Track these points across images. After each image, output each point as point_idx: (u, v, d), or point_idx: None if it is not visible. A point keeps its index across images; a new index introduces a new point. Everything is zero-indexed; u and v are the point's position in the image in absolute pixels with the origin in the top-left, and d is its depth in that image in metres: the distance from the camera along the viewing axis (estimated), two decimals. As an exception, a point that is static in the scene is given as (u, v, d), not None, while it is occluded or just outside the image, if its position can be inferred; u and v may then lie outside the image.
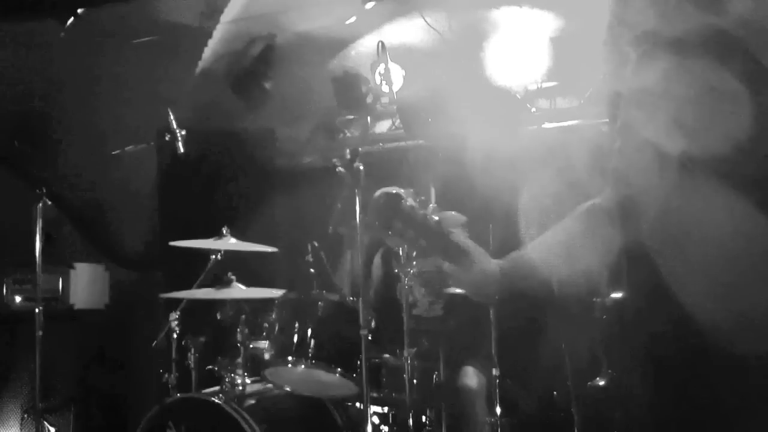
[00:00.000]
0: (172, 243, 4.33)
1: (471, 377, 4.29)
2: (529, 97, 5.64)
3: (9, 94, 5.71)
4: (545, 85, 5.59)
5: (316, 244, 4.40)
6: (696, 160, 1.79)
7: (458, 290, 4.22)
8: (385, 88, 5.15)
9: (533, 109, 5.64)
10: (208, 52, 5.41)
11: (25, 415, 4.74)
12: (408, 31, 5.44)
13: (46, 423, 4.30)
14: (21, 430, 4.77)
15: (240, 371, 4.07)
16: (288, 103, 5.99)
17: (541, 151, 5.18)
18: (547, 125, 5.54)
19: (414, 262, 4.15)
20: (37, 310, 3.86)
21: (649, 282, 1.86)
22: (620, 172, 1.98)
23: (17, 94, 5.72)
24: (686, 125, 1.80)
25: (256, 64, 5.51)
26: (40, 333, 3.92)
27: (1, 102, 5.82)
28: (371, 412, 3.73)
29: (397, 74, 5.43)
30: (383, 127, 6.21)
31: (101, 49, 5.14)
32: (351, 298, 4.02)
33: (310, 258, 4.37)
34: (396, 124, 6.05)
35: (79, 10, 4.67)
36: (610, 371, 4.32)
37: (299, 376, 3.95)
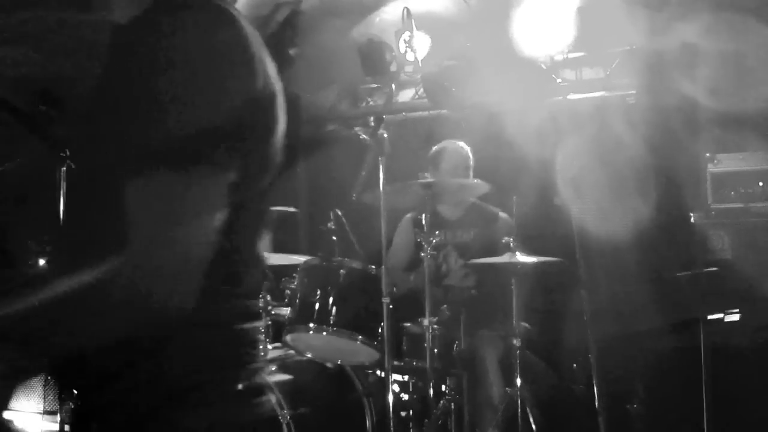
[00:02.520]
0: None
1: (487, 341, 4.31)
2: (555, 68, 5.58)
3: (33, 56, 5.71)
4: (572, 55, 5.53)
5: (339, 212, 4.40)
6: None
7: (484, 260, 4.24)
8: (410, 56, 5.10)
9: (559, 80, 5.59)
10: (233, 17, 5.37)
11: (49, 377, 4.78)
12: (434, -1, 5.39)
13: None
14: (45, 390, 4.82)
15: (261, 337, 4.09)
16: (312, 70, 5.95)
17: (566, 122, 5.14)
18: (572, 96, 5.49)
19: (437, 231, 4.14)
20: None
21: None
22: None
23: (41, 57, 5.72)
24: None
25: (282, 29, 5.47)
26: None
27: (26, 65, 5.83)
28: (392, 379, 3.74)
29: (423, 42, 5.38)
30: (407, 96, 6.17)
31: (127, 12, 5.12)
32: (372, 266, 4.02)
33: (332, 225, 4.37)
34: (420, 93, 6.01)
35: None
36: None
37: (321, 342, 3.96)
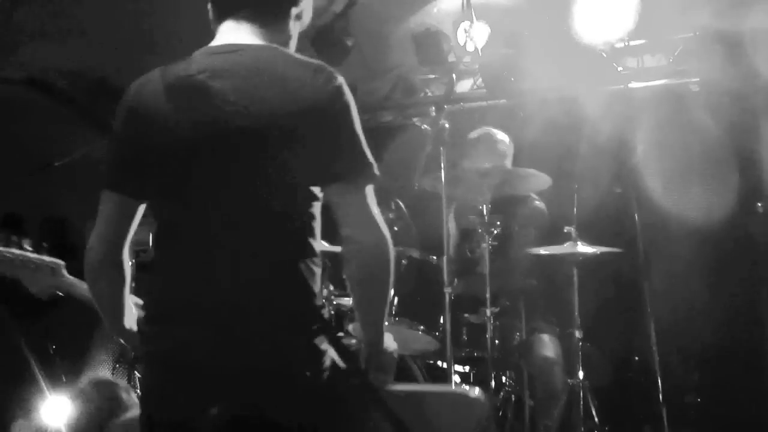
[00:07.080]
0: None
1: (547, 346, 4.23)
2: (616, 56, 5.49)
3: (89, 50, 5.80)
4: (633, 43, 5.44)
5: (399, 201, 4.40)
6: None
7: (545, 250, 4.19)
8: (469, 46, 5.06)
9: (620, 68, 5.50)
10: (290, 8, 5.38)
11: (117, 365, 4.87)
12: (492, -14, 5.34)
13: (137, 372, 4.42)
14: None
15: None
16: (367, 60, 5.95)
17: (628, 110, 5.06)
18: (633, 85, 5.40)
19: (498, 222, 4.10)
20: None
21: None
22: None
23: (98, 50, 5.81)
24: None
25: (338, 19, 5.48)
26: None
27: (85, 58, 5.92)
28: (453, 370, 3.73)
29: (482, 32, 5.33)
30: (465, 86, 6.13)
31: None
32: (433, 257, 4.00)
33: (392, 215, 4.37)
34: (478, 83, 5.98)
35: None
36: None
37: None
